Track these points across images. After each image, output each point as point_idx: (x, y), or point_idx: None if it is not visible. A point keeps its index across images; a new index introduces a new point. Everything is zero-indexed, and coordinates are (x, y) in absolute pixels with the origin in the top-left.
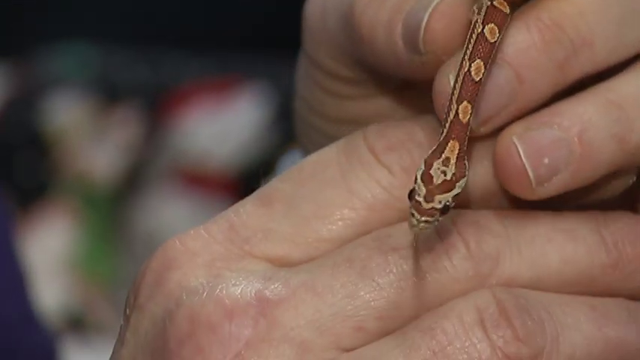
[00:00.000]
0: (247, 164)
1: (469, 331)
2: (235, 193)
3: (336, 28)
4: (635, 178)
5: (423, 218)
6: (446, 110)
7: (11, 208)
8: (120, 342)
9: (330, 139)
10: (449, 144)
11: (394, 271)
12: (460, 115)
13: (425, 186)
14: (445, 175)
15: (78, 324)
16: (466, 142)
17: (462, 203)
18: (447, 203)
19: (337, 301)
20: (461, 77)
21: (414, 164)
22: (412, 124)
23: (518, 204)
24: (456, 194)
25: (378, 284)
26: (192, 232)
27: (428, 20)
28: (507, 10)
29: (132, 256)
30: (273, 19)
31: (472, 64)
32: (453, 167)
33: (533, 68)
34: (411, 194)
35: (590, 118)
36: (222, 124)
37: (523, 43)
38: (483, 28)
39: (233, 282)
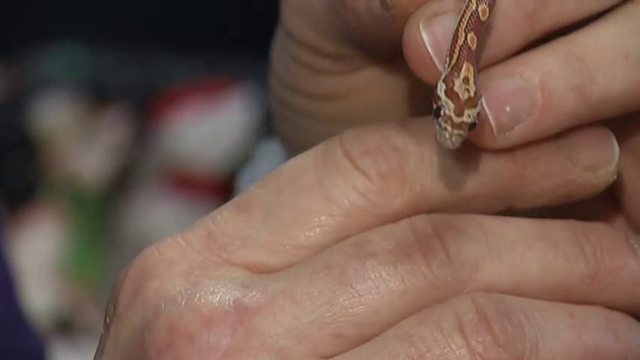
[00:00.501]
0: (236, 166)
1: (448, 338)
2: (224, 195)
3: (319, 1)
4: (616, 176)
5: (456, 131)
6: (452, 39)
7: (1, 209)
8: (100, 351)
9: (305, 117)
10: (464, 65)
11: (372, 277)
12: (469, 42)
13: (453, 102)
14: (469, 92)
15: (66, 326)
16: (476, 65)
17: (440, 207)
18: (474, 118)
19: (316, 308)
20: (468, 13)
21: (390, 169)
22: (388, 128)
23: (500, 210)
24: (479, 111)
25: (357, 291)
26: (169, 240)
27: None
28: None
29: (120, 258)
30: (261, 20)
31: (468, 35)
32: (473, 85)
33: (502, 17)
34: (437, 112)
35: (551, 69)
36: (211, 126)
37: None
38: (477, 7)
39: (211, 290)
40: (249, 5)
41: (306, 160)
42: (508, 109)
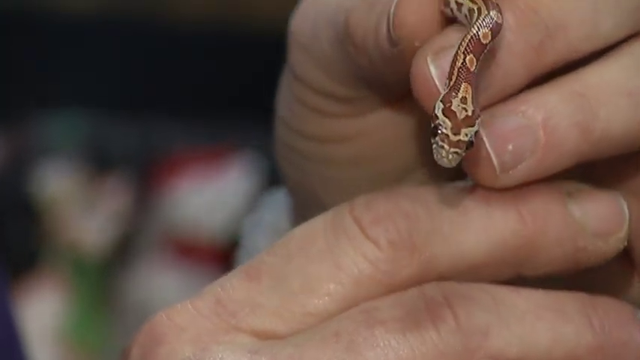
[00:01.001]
0: (238, 234)
1: None
2: (225, 263)
3: (329, 43)
4: (626, 242)
5: (453, 149)
6: (452, 62)
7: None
8: None
9: (311, 160)
10: (462, 85)
11: (381, 345)
12: (468, 64)
13: (450, 120)
14: (466, 111)
15: None
16: (475, 90)
17: (450, 275)
18: (471, 137)
19: None
20: (468, 36)
21: (400, 237)
22: (399, 195)
23: (509, 277)
24: (477, 131)
25: (365, 358)
26: (179, 306)
27: (397, 5)
28: None
29: (122, 325)
30: (262, 88)
31: (467, 57)
32: (471, 105)
33: (508, 51)
34: (435, 130)
35: (554, 107)
36: (213, 194)
37: None
38: (478, 30)
39: (220, 356)
40: (250, 73)
41: (315, 226)
42: (511, 147)
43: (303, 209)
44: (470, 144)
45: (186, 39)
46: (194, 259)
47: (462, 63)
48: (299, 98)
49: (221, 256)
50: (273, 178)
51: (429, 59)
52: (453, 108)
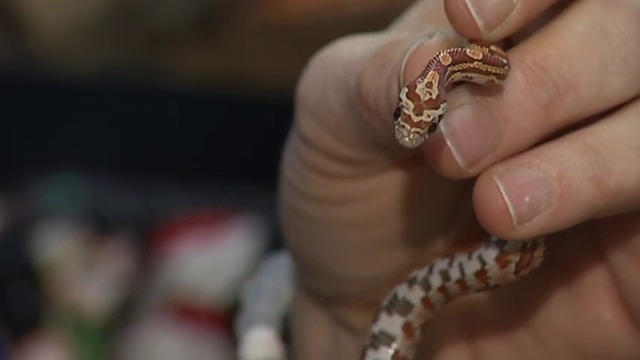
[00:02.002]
0: (239, 297)
1: None
2: (227, 326)
3: (339, 108)
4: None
5: (414, 129)
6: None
7: (5, 340)
8: None
9: (317, 224)
10: (429, 74)
11: None
12: (441, 58)
13: (413, 102)
14: (430, 94)
15: None
16: (444, 79)
17: None
18: (434, 120)
19: None
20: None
21: None
22: None
23: None
24: (441, 115)
25: None
26: None
27: (407, 64)
28: (505, 54)
29: None
30: (263, 152)
31: (472, 49)
32: (436, 89)
33: (517, 109)
34: (397, 112)
35: (568, 160)
36: (214, 257)
37: (508, 84)
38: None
39: None
40: (250, 136)
41: None
42: (527, 199)
43: (306, 274)
44: (433, 126)
45: (186, 102)
46: (195, 323)
47: (436, 57)
48: (307, 161)
49: (222, 319)
50: (274, 242)
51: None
52: (417, 91)
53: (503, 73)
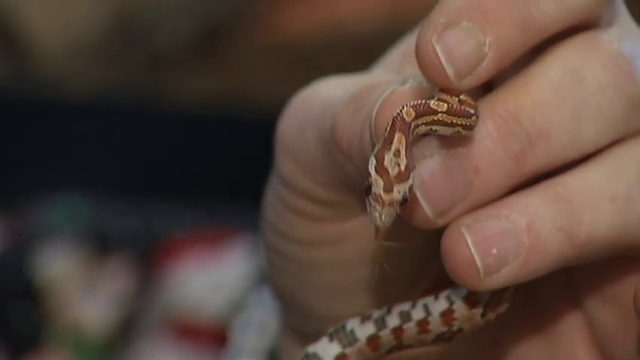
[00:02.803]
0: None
1: None
2: (227, 346)
3: (316, 149)
4: None
5: (385, 210)
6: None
7: (5, 357)
8: None
9: (297, 264)
10: (395, 136)
11: None
12: (405, 115)
13: (382, 178)
14: (399, 166)
15: None
16: (410, 137)
17: None
18: (405, 193)
19: None
20: (421, 100)
21: None
22: None
23: None
24: (411, 185)
25: None
26: None
27: (377, 111)
28: (475, 103)
29: None
30: (264, 171)
31: (438, 102)
32: (405, 159)
33: (488, 159)
34: (368, 189)
35: (537, 211)
36: (214, 276)
37: (478, 134)
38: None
39: None
40: (251, 156)
41: None
42: (495, 251)
43: (288, 311)
44: (403, 201)
45: (187, 122)
46: (195, 341)
47: (398, 113)
48: (285, 202)
49: (222, 337)
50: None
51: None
52: (385, 164)
53: (470, 124)
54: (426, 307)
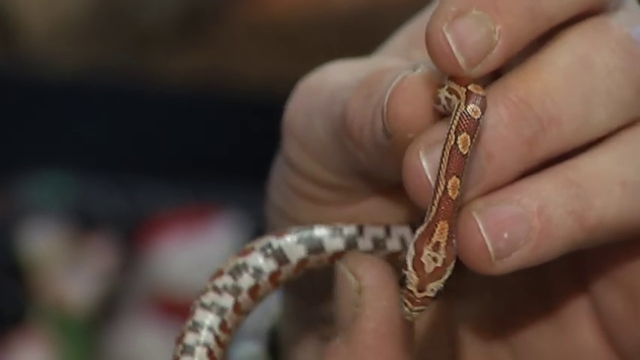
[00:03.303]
0: None
1: None
2: None
3: (325, 135)
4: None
5: (416, 308)
6: (434, 186)
7: None
8: None
9: None
10: (438, 225)
11: None
12: (450, 191)
13: (417, 275)
14: (436, 261)
15: None
16: (455, 220)
17: None
18: (440, 289)
19: None
20: (448, 151)
21: None
22: None
23: None
24: (447, 278)
25: None
26: None
27: (390, 97)
28: (484, 92)
29: None
30: (247, 148)
31: (459, 137)
32: (444, 252)
33: (501, 145)
34: (403, 281)
35: (548, 195)
36: (198, 253)
37: (490, 119)
38: (466, 107)
39: None
40: (235, 134)
41: None
42: (506, 235)
43: (289, 293)
44: (438, 294)
45: (172, 101)
46: (179, 318)
47: (444, 191)
48: (292, 185)
49: None
50: (257, 237)
51: (421, 152)
52: (422, 259)
53: None
54: (402, 240)
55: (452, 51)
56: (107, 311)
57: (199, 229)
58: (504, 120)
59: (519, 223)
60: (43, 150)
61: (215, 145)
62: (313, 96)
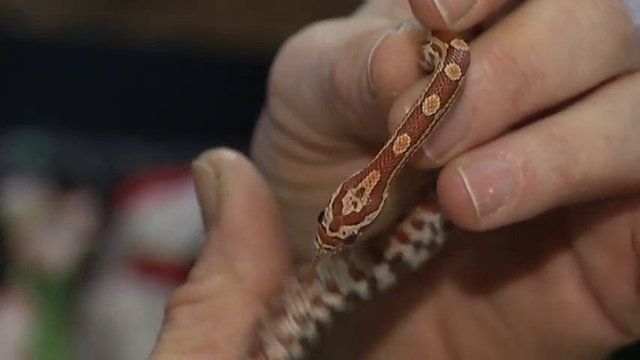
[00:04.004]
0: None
1: None
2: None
3: (314, 97)
4: None
5: (325, 245)
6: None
7: None
8: None
9: (289, 209)
10: (369, 174)
11: None
12: (394, 146)
13: (333, 213)
14: (355, 206)
15: None
16: (392, 176)
17: None
18: (352, 234)
19: None
20: (411, 110)
21: None
22: None
23: None
24: (364, 226)
25: None
26: None
27: (373, 56)
28: (467, 48)
29: (86, 343)
30: (225, 108)
31: (426, 99)
32: (366, 200)
33: (485, 99)
34: (321, 217)
35: (533, 150)
36: (176, 213)
37: (475, 74)
38: (444, 67)
39: None
40: (213, 93)
41: None
42: (491, 190)
43: None
44: (350, 239)
45: (149, 59)
46: (157, 277)
47: (389, 145)
48: (278, 146)
49: (183, 273)
50: None
51: (406, 109)
52: (343, 200)
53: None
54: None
55: (435, 4)
56: (85, 271)
57: (177, 189)
58: (489, 75)
59: (504, 179)
60: (20, 109)
61: (192, 105)
62: (300, 58)
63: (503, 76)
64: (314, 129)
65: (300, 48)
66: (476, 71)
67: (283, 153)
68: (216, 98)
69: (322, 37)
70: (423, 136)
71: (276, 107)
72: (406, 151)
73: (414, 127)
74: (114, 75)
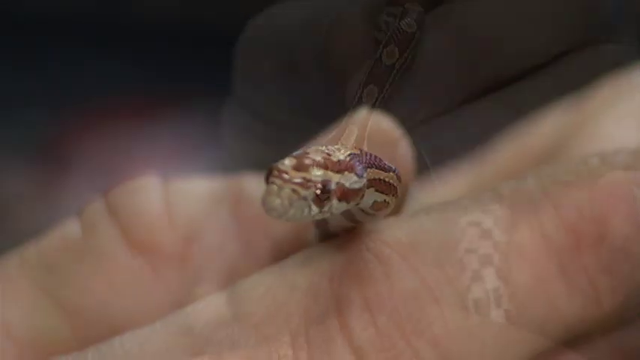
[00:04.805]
0: None
1: None
2: None
3: (275, 74)
4: None
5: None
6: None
7: None
8: None
9: None
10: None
11: None
12: (364, 99)
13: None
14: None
15: None
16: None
17: None
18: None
19: None
20: (372, 62)
21: None
22: None
23: None
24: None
25: None
26: None
27: (327, 33)
28: (421, 8)
29: None
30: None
31: (385, 50)
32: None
33: (442, 70)
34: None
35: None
36: None
37: (430, 44)
38: (399, 22)
39: None
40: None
41: None
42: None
43: None
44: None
45: None
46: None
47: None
48: (241, 123)
49: None
50: None
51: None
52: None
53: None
54: None
55: None
56: None
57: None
58: (444, 46)
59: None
60: None
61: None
62: (262, 38)
63: (459, 47)
64: (273, 104)
65: (261, 28)
66: (432, 40)
67: (250, 134)
68: None
69: (282, 17)
70: (387, 85)
71: (241, 85)
72: (375, 101)
73: (378, 77)
74: None
